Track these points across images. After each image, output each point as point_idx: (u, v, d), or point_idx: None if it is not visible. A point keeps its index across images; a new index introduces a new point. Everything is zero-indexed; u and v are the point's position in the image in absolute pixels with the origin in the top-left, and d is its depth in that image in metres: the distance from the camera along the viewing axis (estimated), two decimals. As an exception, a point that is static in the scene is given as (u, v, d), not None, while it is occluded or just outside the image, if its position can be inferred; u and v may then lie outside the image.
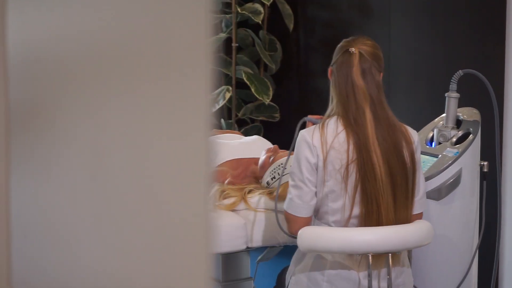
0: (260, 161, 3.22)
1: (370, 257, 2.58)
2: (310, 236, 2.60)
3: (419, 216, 2.73)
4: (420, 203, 2.71)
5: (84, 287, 1.16)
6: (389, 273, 2.62)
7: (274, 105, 5.16)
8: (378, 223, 2.59)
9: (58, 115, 1.18)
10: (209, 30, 0.90)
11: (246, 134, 4.69)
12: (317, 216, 2.68)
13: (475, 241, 3.11)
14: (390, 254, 2.61)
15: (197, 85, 0.88)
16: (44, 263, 1.23)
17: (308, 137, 2.61)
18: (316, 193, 2.62)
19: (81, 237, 1.16)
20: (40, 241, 1.23)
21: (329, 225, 2.64)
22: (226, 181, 3.18)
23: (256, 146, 3.44)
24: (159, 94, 0.98)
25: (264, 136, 4.02)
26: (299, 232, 2.60)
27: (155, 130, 1.00)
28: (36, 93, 1.20)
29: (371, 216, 2.59)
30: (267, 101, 4.93)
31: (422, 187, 2.71)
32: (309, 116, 2.80)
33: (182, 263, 0.93)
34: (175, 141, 0.96)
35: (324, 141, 2.58)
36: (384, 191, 2.57)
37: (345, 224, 2.61)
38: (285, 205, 2.67)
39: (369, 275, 2.60)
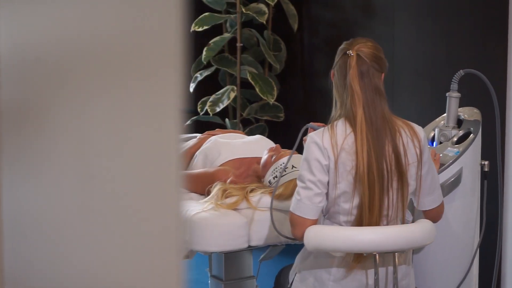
0: (262, 160, 3.22)
1: (377, 256, 2.58)
2: (317, 235, 2.59)
3: (436, 210, 2.72)
4: (431, 199, 2.70)
5: (75, 286, 1.18)
6: (395, 272, 2.62)
7: (279, 104, 5.18)
8: (369, 223, 2.59)
9: (49, 116, 1.19)
10: (180, 36, 0.92)
11: (250, 133, 4.71)
12: (327, 216, 2.67)
13: (476, 240, 3.11)
14: (396, 254, 2.61)
15: (169, 89, 0.90)
16: (35, 262, 1.24)
17: (318, 139, 2.59)
18: (327, 195, 2.61)
19: (70, 236, 1.18)
20: (31, 241, 1.25)
21: (340, 225, 2.64)
22: (228, 180, 3.19)
23: (258, 146, 3.45)
24: (143, 96, 1.01)
25: (269, 136, 4.03)
26: (306, 231, 2.58)
27: (136, 133, 1.02)
28: (27, 94, 1.21)
29: (368, 217, 2.60)
30: (272, 100, 4.94)
31: (430, 182, 2.69)
32: (312, 123, 2.81)
33: (155, 262, 0.95)
34: (153, 143, 0.98)
35: (334, 143, 2.57)
36: (373, 195, 2.57)
37: (356, 224, 2.61)
38: (292, 207, 2.63)
39: (376, 274, 2.60)
